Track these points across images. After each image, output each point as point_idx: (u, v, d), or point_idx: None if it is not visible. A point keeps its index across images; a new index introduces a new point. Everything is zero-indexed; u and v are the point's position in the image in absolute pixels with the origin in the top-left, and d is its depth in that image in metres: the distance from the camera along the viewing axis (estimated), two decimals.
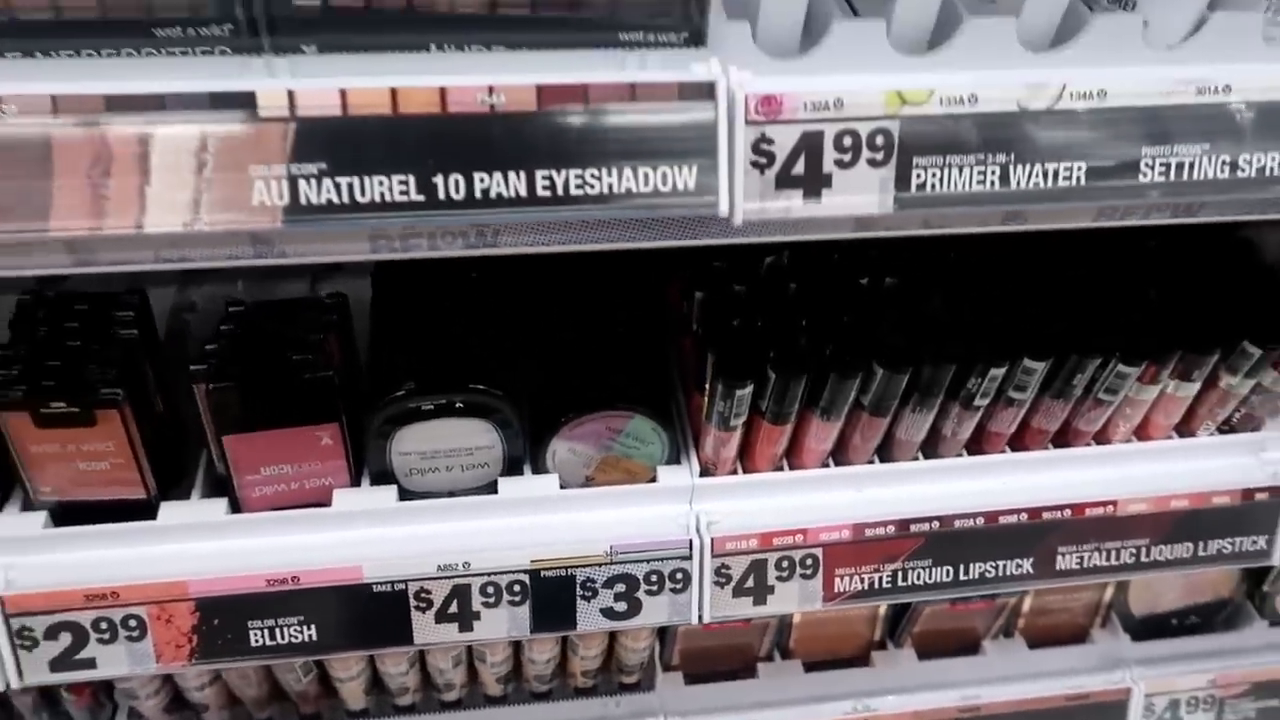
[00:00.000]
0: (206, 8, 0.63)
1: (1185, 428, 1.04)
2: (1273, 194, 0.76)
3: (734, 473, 0.96)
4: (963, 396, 0.92)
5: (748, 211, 0.70)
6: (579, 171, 0.66)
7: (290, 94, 0.62)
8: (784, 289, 0.95)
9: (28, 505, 0.88)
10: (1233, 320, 0.95)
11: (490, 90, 0.64)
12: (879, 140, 0.70)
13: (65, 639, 0.85)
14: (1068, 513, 0.98)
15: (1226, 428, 1.05)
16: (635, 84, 0.65)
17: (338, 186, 0.63)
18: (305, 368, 0.85)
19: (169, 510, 0.88)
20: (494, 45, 0.67)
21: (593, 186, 0.66)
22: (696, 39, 0.69)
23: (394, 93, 0.63)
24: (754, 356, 0.87)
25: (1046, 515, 0.98)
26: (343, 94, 0.63)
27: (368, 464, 0.92)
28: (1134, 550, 1.01)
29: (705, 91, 0.66)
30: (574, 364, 0.95)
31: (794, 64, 0.71)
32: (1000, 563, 0.99)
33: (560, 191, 0.66)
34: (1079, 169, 0.73)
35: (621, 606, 0.93)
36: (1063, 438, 1.01)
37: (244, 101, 0.62)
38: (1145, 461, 1.03)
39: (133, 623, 0.85)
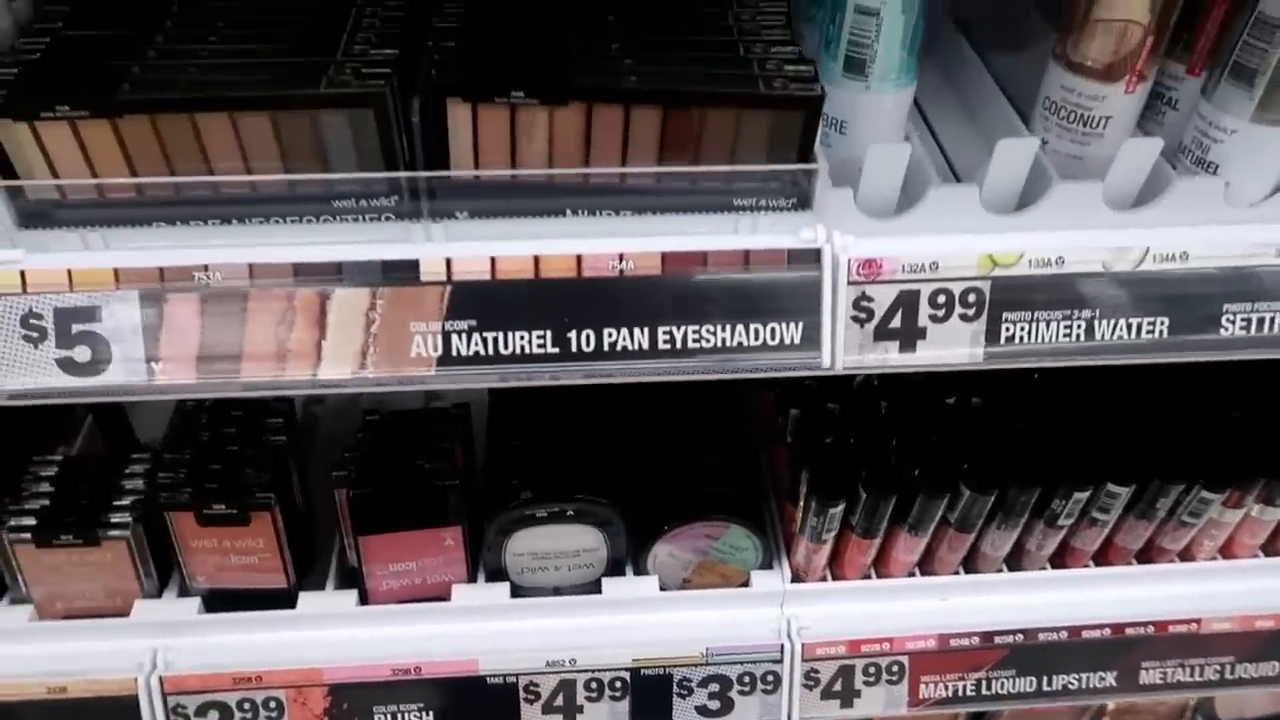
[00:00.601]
0: (377, 182, 0.72)
1: (1271, 546, 1.06)
2: None
3: (824, 579, 1.01)
4: (1047, 516, 0.97)
5: (847, 362, 0.76)
6: (696, 328, 0.73)
7: (448, 261, 0.71)
8: (875, 407, 1.01)
9: (184, 592, 0.97)
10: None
11: (620, 257, 0.72)
12: (971, 298, 0.76)
13: (213, 717, 0.94)
14: (1151, 629, 1.01)
15: None
16: (749, 250, 0.73)
17: (485, 340, 0.72)
18: (434, 475, 0.93)
19: (307, 601, 0.97)
20: (623, 211, 0.75)
21: (708, 341, 0.73)
22: (804, 203, 0.76)
23: (536, 260, 0.71)
24: (846, 475, 0.93)
25: (1130, 631, 1.01)
26: (493, 261, 0.71)
27: (484, 562, 1.00)
28: (1218, 668, 1.03)
29: (811, 257, 0.73)
30: (675, 472, 1.02)
31: (893, 224, 0.78)
32: (1084, 675, 1.02)
33: (679, 345, 0.73)
34: (1162, 324, 0.77)
35: (715, 705, 0.99)
36: (1146, 554, 1.04)
37: (409, 268, 0.71)
38: (1230, 579, 1.05)
39: (272, 704, 0.94)
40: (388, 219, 0.74)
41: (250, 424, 0.98)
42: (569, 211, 0.75)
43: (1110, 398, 1.01)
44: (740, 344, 0.74)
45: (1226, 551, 1.05)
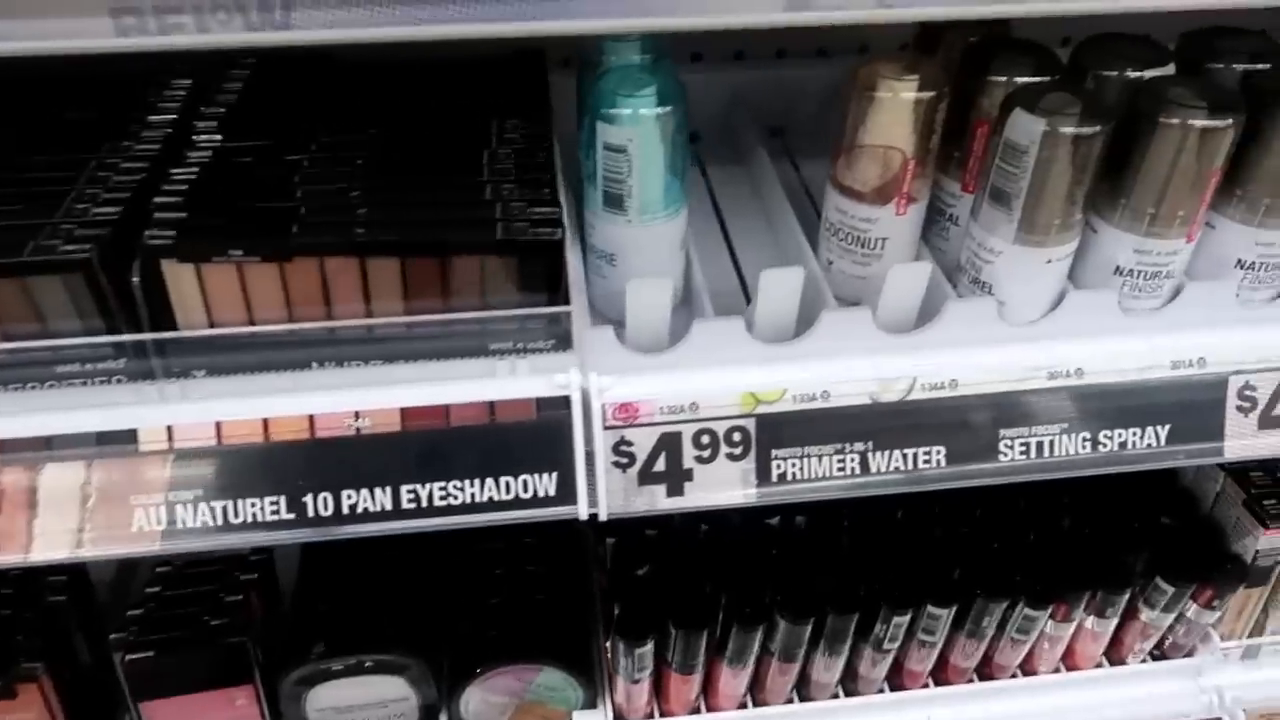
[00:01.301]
0: (100, 345, 0.69)
1: (1115, 655, 1.03)
2: (1141, 464, 0.77)
3: (649, 717, 0.97)
4: (872, 640, 0.93)
5: (613, 509, 0.73)
6: (442, 485, 0.69)
7: (169, 429, 0.67)
8: (694, 532, 0.97)
9: None
10: (1147, 555, 0.95)
11: (356, 415, 0.68)
12: (736, 437, 0.73)
13: None
14: None
15: (1158, 653, 1.04)
16: (494, 402, 0.70)
17: (213, 511, 0.68)
18: (221, 632, 0.88)
19: None
20: (372, 360, 0.72)
21: (455, 497, 0.70)
22: (563, 344, 0.73)
23: (265, 423, 0.68)
24: (655, 612, 0.89)
25: None
26: (218, 426, 0.67)
27: (287, 718, 0.94)
28: None
29: (562, 404, 0.70)
30: (490, 612, 0.97)
31: (661, 360, 0.75)
32: None
33: (425, 504, 0.70)
34: (938, 453, 0.75)
35: None
36: (986, 669, 1.01)
37: (126, 438, 0.67)
38: (1076, 691, 1.02)
39: None
40: (118, 380, 0.70)
41: (30, 583, 0.92)
42: (314, 364, 0.71)
43: (932, 517, 0.99)
44: (491, 499, 0.70)
45: (1070, 662, 1.02)
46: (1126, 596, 0.94)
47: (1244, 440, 0.77)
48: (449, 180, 0.74)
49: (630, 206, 0.76)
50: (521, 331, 0.73)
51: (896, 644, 0.93)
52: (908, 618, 0.91)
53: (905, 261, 0.83)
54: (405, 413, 0.69)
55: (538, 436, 0.70)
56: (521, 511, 0.70)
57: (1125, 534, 0.97)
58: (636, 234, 0.77)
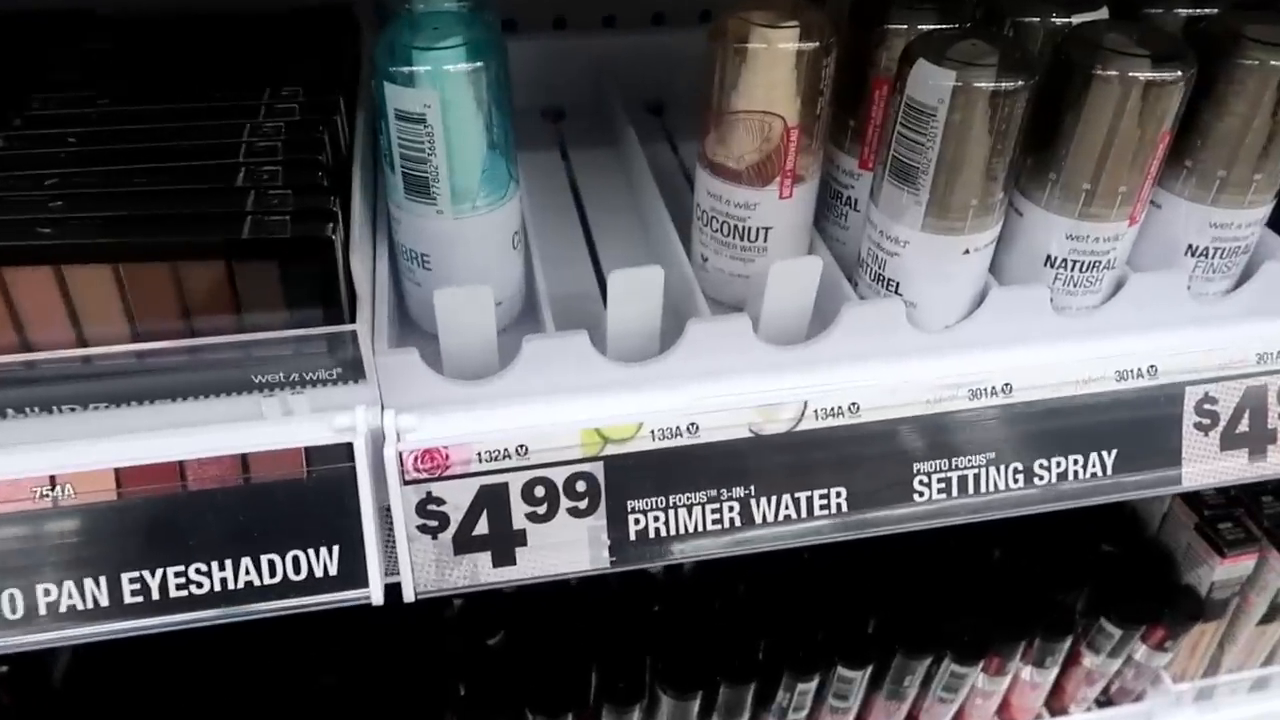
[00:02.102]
0: None
1: (1056, 704, 0.89)
2: (1085, 499, 0.63)
3: None
4: (775, 710, 0.78)
5: (423, 585, 0.56)
6: (180, 569, 0.52)
7: None
8: (562, 584, 0.81)
9: None
10: (1089, 592, 0.82)
11: (52, 481, 0.50)
12: (580, 486, 0.57)
13: None
14: None
15: (1104, 699, 0.91)
16: (247, 454, 0.52)
17: None
18: None
19: None
20: (92, 405, 0.54)
21: (200, 585, 0.52)
22: (352, 374, 0.56)
23: None
24: (509, 692, 0.72)
25: None
26: None
27: None
28: None
29: (343, 454, 0.53)
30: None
31: (482, 391, 0.59)
32: None
33: (158, 596, 0.52)
34: (839, 496, 0.60)
35: None
36: None
37: None
38: None
39: None
40: None
41: None
42: (10, 412, 0.53)
43: (842, 558, 0.84)
44: (249, 585, 0.52)
45: (1006, 715, 0.88)
46: (1068, 643, 0.80)
47: (1205, 464, 0.64)
48: (192, 164, 0.56)
49: (439, 193, 0.59)
50: (296, 359, 0.55)
51: (804, 712, 0.78)
52: (815, 682, 0.76)
53: (794, 256, 0.68)
54: (122, 475, 0.51)
55: (310, 499, 0.53)
56: (292, 600, 0.53)
57: (1064, 568, 0.83)
58: (450, 228, 0.61)
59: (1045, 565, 0.84)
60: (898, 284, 0.63)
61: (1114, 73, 0.57)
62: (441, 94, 0.55)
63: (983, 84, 0.55)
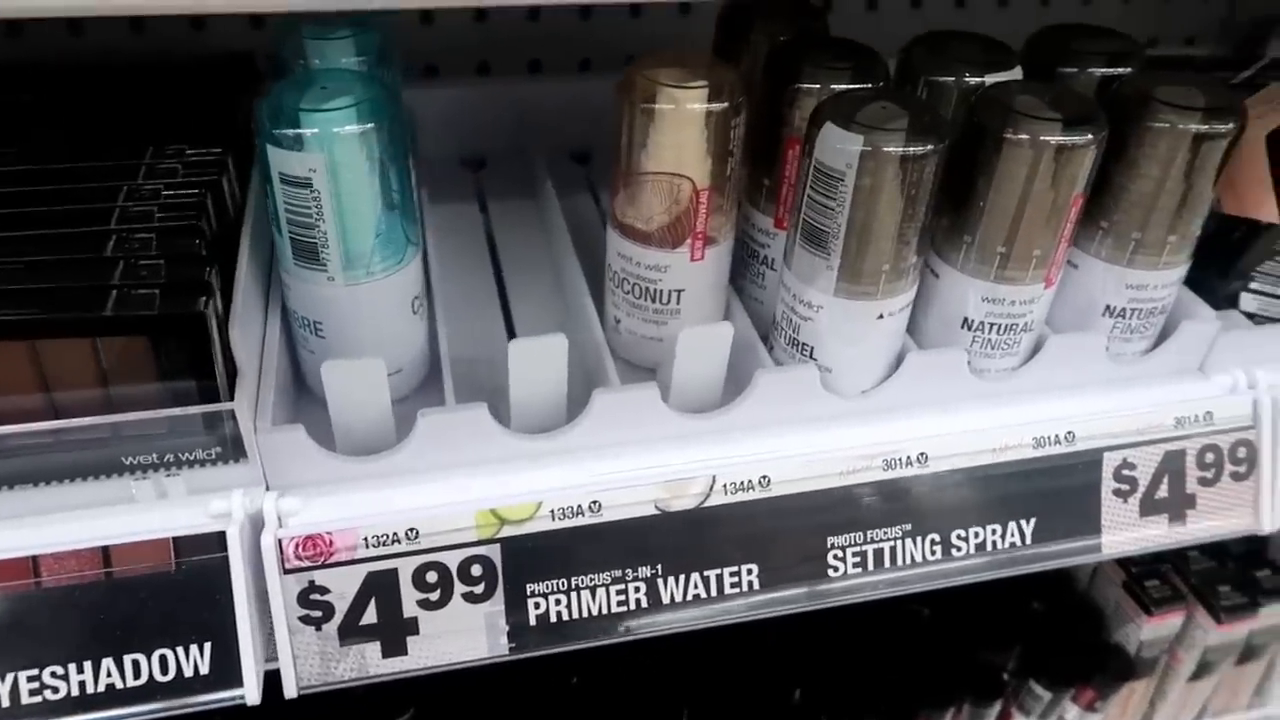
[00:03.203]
0: None
1: None
2: (1004, 570, 0.61)
3: None
4: None
5: (306, 680, 0.52)
6: (33, 673, 0.48)
7: None
8: None
9: None
10: (1019, 653, 0.80)
11: None
12: (475, 570, 0.53)
13: None
14: None
15: None
16: (108, 546, 0.48)
17: None
18: None
19: None
20: None
21: (56, 690, 0.48)
22: (233, 453, 0.53)
23: None
24: None
25: None
26: None
27: None
28: None
29: (214, 543, 0.50)
30: None
31: (372, 469, 0.55)
32: None
33: (7, 702, 0.48)
34: (750, 573, 0.57)
35: None
36: None
37: None
38: None
39: None
40: None
41: None
42: None
43: (771, 629, 0.81)
44: (111, 688, 0.49)
45: None
46: (998, 706, 0.79)
47: (1124, 532, 0.62)
48: (62, 232, 0.53)
49: (328, 259, 0.56)
50: (171, 439, 0.52)
51: None
52: None
53: (709, 318, 0.66)
54: None
55: (179, 592, 0.49)
56: (159, 703, 0.49)
57: (994, 628, 0.82)
58: (343, 295, 0.57)
59: (975, 625, 0.82)
60: (812, 348, 0.61)
61: (1025, 136, 0.56)
62: (328, 157, 0.52)
63: (891, 148, 0.53)
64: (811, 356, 0.62)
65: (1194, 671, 0.84)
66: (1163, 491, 0.63)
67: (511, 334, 0.72)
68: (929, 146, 0.54)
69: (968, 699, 0.77)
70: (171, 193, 0.56)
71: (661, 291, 0.63)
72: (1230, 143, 0.59)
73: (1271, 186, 0.62)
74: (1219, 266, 0.69)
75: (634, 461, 0.57)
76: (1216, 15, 1.15)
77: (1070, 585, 0.87)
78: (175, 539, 0.49)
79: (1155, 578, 0.80)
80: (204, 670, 0.49)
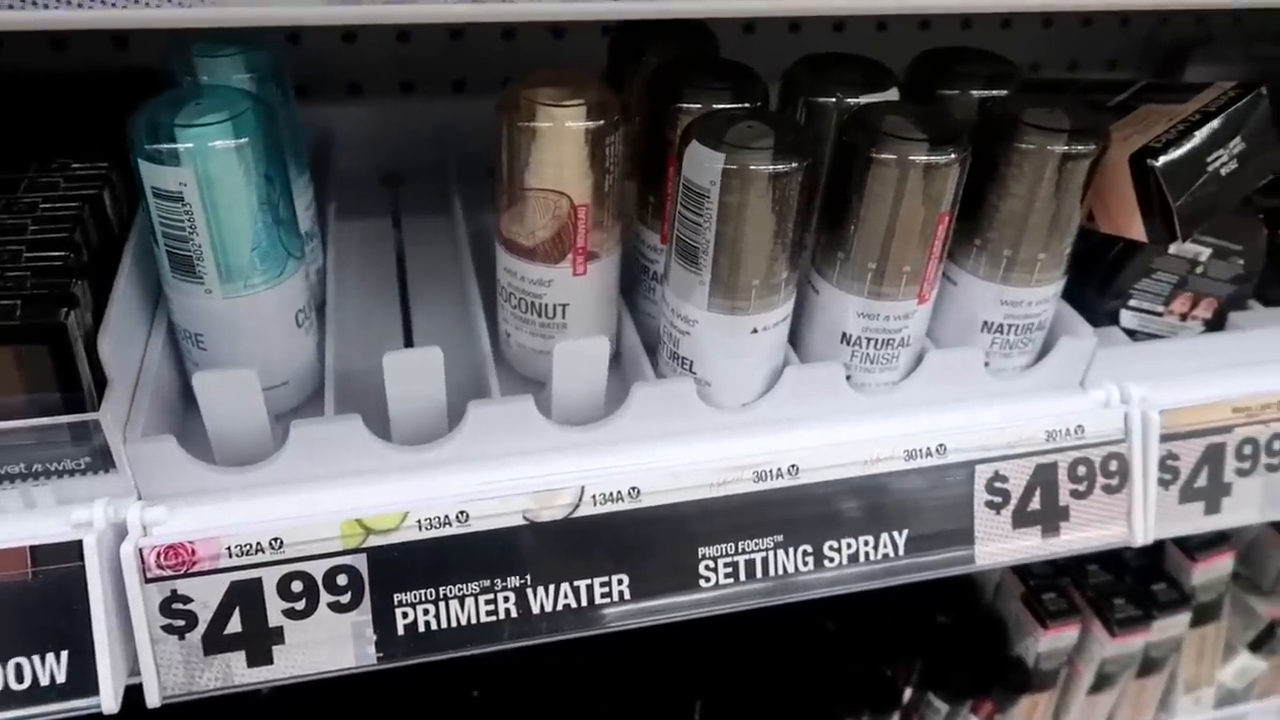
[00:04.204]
0: None
1: None
2: (877, 581, 0.62)
3: None
4: None
5: (170, 689, 0.52)
6: None
7: None
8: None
9: None
10: (921, 665, 0.81)
11: None
12: (341, 580, 0.54)
13: None
14: None
15: None
16: None
17: None
18: None
19: None
20: None
21: None
22: (102, 464, 0.53)
23: None
24: None
25: None
26: None
27: None
28: None
29: (72, 552, 0.50)
30: None
31: (243, 480, 0.56)
32: None
33: None
34: (620, 583, 0.58)
35: None
36: None
37: None
38: None
39: None
40: None
41: None
42: None
43: (669, 640, 0.82)
44: None
45: None
46: (896, 718, 0.79)
47: (997, 543, 0.64)
48: None
49: (205, 272, 0.57)
50: (39, 449, 0.52)
51: None
52: None
53: (597, 332, 0.67)
54: None
55: (37, 601, 0.50)
56: (13, 712, 0.49)
57: (898, 640, 0.83)
58: (221, 308, 0.58)
59: (880, 637, 0.83)
60: (692, 362, 0.62)
61: (890, 156, 0.58)
62: (198, 172, 0.53)
63: (753, 166, 0.55)
64: (691, 370, 0.63)
65: (1093, 684, 0.85)
66: (1035, 504, 0.64)
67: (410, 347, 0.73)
68: (791, 165, 0.55)
69: (865, 711, 0.77)
70: (49, 206, 0.57)
71: (546, 305, 0.64)
72: (1093, 163, 0.61)
73: (1137, 207, 0.63)
74: (1099, 285, 0.71)
75: (509, 473, 0.58)
76: (1138, 39, 1.17)
77: (978, 597, 0.88)
78: (33, 548, 0.49)
79: (1053, 591, 0.81)
80: (60, 679, 0.50)
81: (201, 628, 0.52)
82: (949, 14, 1.05)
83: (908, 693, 0.81)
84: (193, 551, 0.52)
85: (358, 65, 0.96)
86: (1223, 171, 0.62)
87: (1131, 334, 0.72)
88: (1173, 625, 0.83)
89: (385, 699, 0.75)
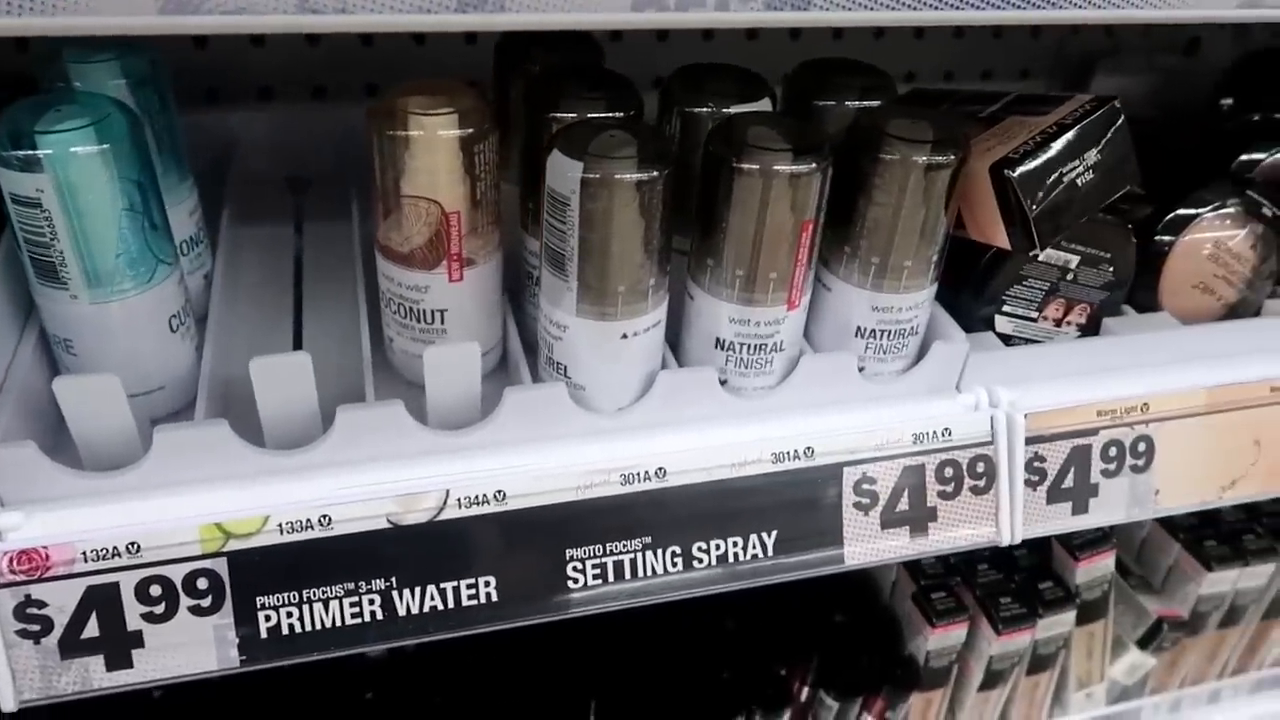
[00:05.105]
0: None
1: None
2: (748, 580, 0.64)
3: None
4: None
5: (27, 694, 0.53)
6: None
7: None
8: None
9: None
10: (815, 663, 0.83)
11: None
12: (201, 584, 0.54)
13: None
14: None
15: None
16: None
17: None
18: None
19: None
20: None
21: None
22: None
23: None
24: None
25: None
26: None
27: None
28: None
29: None
30: None
31: (112, 483, 0.56)
32: None
33: None
34: (487, 585, 0.59)
35: None
36: None
37: None
38: None
39: None
40: None
41: None
42: None
43: (561, 638, 0.83)
44: None
45: None
46: (787, 716, 0.81)
47: (866, 544, 0.65)
48: None
49: (69, 277, 0.57)
50: None
51: None
52: None
53: (477, 337, 0.67)
54: None
55: None
56: None
57: (793, 639, 0.84)
58: (88, 313, 0.58)
59: (777, 636, 0.84)
60: (565, 367, 0.64)
61: (753, 165, 0.59)
62: (55, 178, 0.54)
63: (611, 175, 0.56)
64: (566, 374, 0.64)
65: (984, 680, 0.86)
66: (903, 505, 0.66)
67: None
68: (651, 174, 0.56)
69: (758, 709, 0.79)
70: None
71: (425, 311, 0.65)
72: (954, 173, 0.63)
73: (1000, 216, 0.65)
74: (974, 291, 0.73)
75: (377, 476, 0.58)
76: (1049, 50, 1.20)
77: (875, 596, 0.89)
78: None
79: (942, 590, 0.83)
80: None
81: (58, 632, 0.53)
82: (859, 26, 1.07)
83: (804, 691, 0.82)
84: (46, 557, 0.52)
85: (267, 70, 0.96)
86: (1079, 182, 0.64)
87: (1007, 339, 0.74)
88: (1058, 623, 0.85)
89: (272, 700, 0.75)
